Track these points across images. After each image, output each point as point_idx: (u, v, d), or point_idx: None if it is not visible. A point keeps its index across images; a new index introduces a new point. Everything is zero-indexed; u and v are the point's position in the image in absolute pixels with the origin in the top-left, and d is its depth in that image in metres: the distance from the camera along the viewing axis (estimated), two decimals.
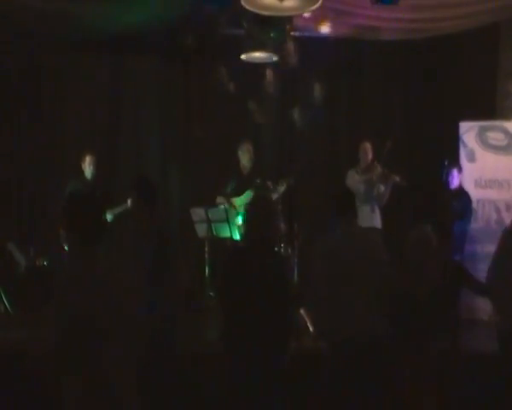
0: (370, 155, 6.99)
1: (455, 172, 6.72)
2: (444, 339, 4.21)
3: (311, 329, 5.60)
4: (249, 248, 3.64)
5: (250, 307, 3.47)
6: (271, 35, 6.89)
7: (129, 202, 5.92)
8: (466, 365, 5.01)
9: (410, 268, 4.04)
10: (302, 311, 5.77)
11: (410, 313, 3.96)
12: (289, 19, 6.85)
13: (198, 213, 6.80)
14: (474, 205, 7.06)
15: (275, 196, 6.69)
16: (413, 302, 3.95)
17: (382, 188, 6.84)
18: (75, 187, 6.74)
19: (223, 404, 3.76)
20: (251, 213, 3.68)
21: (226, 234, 6.73)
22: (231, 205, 6.74)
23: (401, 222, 7.78)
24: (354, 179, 6.93)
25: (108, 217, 6.47)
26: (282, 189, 6.72)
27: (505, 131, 7.18)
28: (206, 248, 6.94)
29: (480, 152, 7.20)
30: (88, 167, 6.77)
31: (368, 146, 7.02)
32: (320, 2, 5.55)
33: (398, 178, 6.75)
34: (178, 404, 4.33)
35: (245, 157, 6.91)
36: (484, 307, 6.94)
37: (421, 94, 8.09)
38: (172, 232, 4.71)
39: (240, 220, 6.41)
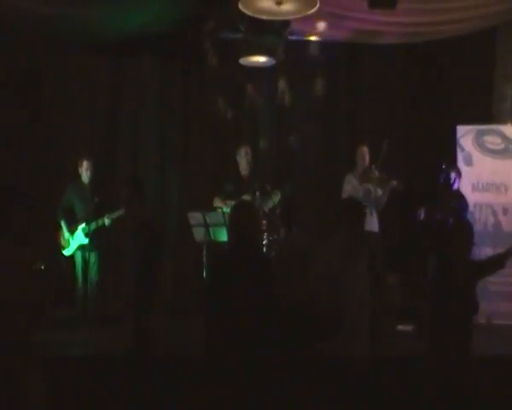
0: (367, 159, 6.99)
1: (453, 175, 6.75)
2: None
3: None
4: (230, 250, 3.69)
5: (232, 310, 3.49)
6: (269, 39, 6.92)
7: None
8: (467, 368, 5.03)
9: None
10: None
11: None
12: (287, 23, 6.88)
13: (195, 216, 6.77)
14: (471, 208, 7.10)
15: (270, 204, 6.68)
16: None
17: (380, 192, 6.86)
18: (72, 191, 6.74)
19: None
20: (230, 217, 3.80)
21: (224, 238, 6.69)
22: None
23: (398, 225, 7.88)
24: (352, 184, 6.93)
25: (106, 222, 6.46)
26: (276, 198, 6.71)
27: (502, 135, 7.22)
28: (204, 252, 6.93)
29: (477, 156, 7.23)
30: (85, 172, 6.75)
31: (365, 150, 7.02)
32: (317, 7, 5.58)
33: (395, 183, 6.76)
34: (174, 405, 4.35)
35: (243, 161, 6.90)
36: (482, 310, 6.95)
37: (419, 98, 8.10)
38: (160, 231, 4.86)
39: None
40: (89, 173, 6.73)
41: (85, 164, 6.74)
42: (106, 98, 8.16)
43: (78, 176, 6.82)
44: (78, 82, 7.94)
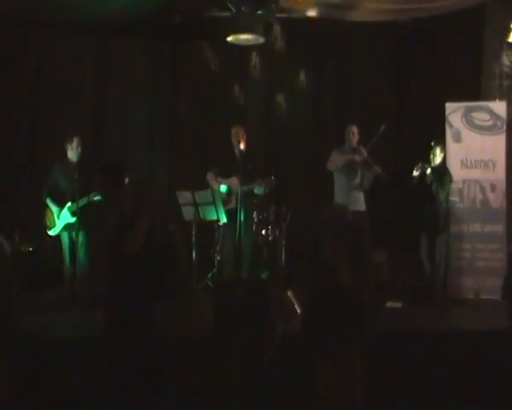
0: (356, 138, 6.93)
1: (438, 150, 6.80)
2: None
3: (298, 311, 5.61)
4: None
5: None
6: (257, 17, 6.86)
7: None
8: (453, 343, 5.08)
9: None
10: (289, 293, 5.79)
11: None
12: (275, 0, 6.83)
13: (184, 195, 6.76)
14: (460, 185, 7.15)
15: (259, 191, 6.65)
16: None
17: (366, 173, 6.82)
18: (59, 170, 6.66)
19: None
20: None
21: (213, 217, 6.70)
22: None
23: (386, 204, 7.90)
24: (338, 158, 6.85)
25: (96, 198, 6.37)
26: (261, 189, 6.67)
27: (490, 112, 7.23)
28: (193, 232, 6.92)
29: (465, 132, 7.25)
30: (75, 149, 6.64)
31: (355, 129, 6.95)
32: None
33: (380, 170, 6.72)
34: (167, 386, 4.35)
35: (235, 140, 6.83)
36: (470, 285, 7.03)
37: (407, 75, 8.09)
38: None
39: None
40: (79, 150, 6.62)
41: (75, 141, 6.64)
42: (93, 76, 8.10)
43: (65, 154, 6.72)
44: (65, 60, 7.86)
